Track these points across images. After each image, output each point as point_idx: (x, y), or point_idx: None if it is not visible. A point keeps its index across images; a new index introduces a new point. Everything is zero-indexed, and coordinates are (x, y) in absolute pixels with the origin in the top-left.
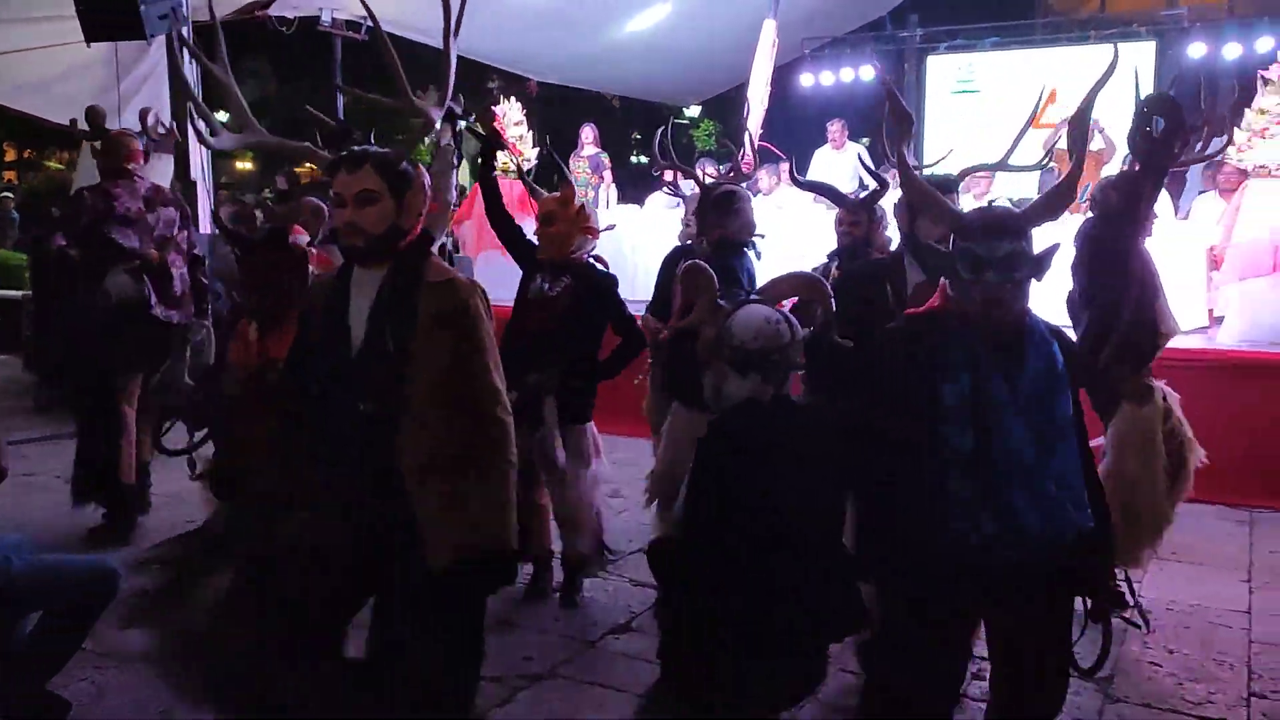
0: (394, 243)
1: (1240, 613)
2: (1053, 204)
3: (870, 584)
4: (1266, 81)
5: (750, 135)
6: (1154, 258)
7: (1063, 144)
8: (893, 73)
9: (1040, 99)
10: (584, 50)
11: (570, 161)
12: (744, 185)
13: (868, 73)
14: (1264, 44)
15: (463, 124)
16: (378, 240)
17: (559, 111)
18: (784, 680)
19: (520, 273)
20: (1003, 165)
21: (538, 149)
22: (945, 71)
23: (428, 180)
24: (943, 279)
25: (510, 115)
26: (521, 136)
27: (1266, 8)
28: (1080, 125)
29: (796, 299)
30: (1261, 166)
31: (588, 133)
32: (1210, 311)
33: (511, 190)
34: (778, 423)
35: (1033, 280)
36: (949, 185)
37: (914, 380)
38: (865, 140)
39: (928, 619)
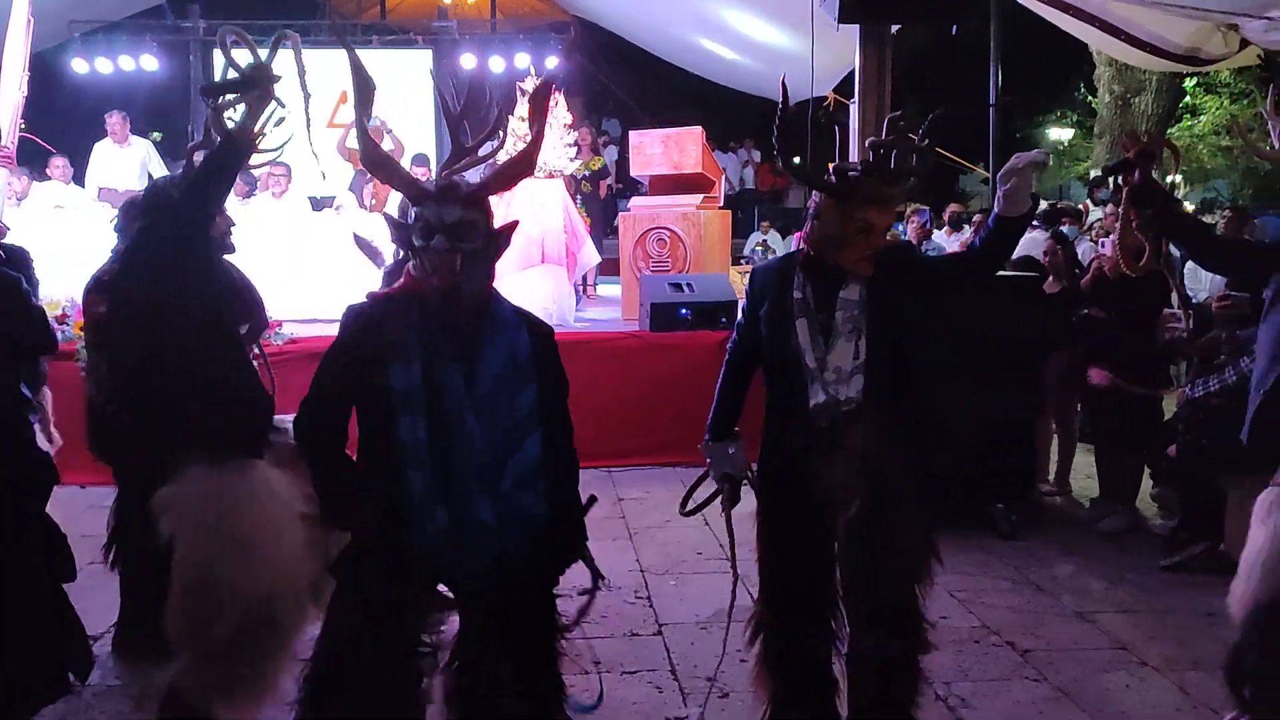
0: None
1: None
2: (508, 173)
3: None
4: (524, 93)
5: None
6: None
7: (351, 143)
8: (177, 64)
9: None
10: None
11: None
12: None
13: (150, 62)
14: (522, 60)
15: None
16: None
17: None
18: None
19: None
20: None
21: None
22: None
23: None
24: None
25: None
26: None
27: (523, 28)
28: (541, 94)
29: None
30: None
31: None
32: None
33: None
34: None
35: (492, 259)
36: None
37: (366, 361)
38: (156, 135)
39: (379, 608)
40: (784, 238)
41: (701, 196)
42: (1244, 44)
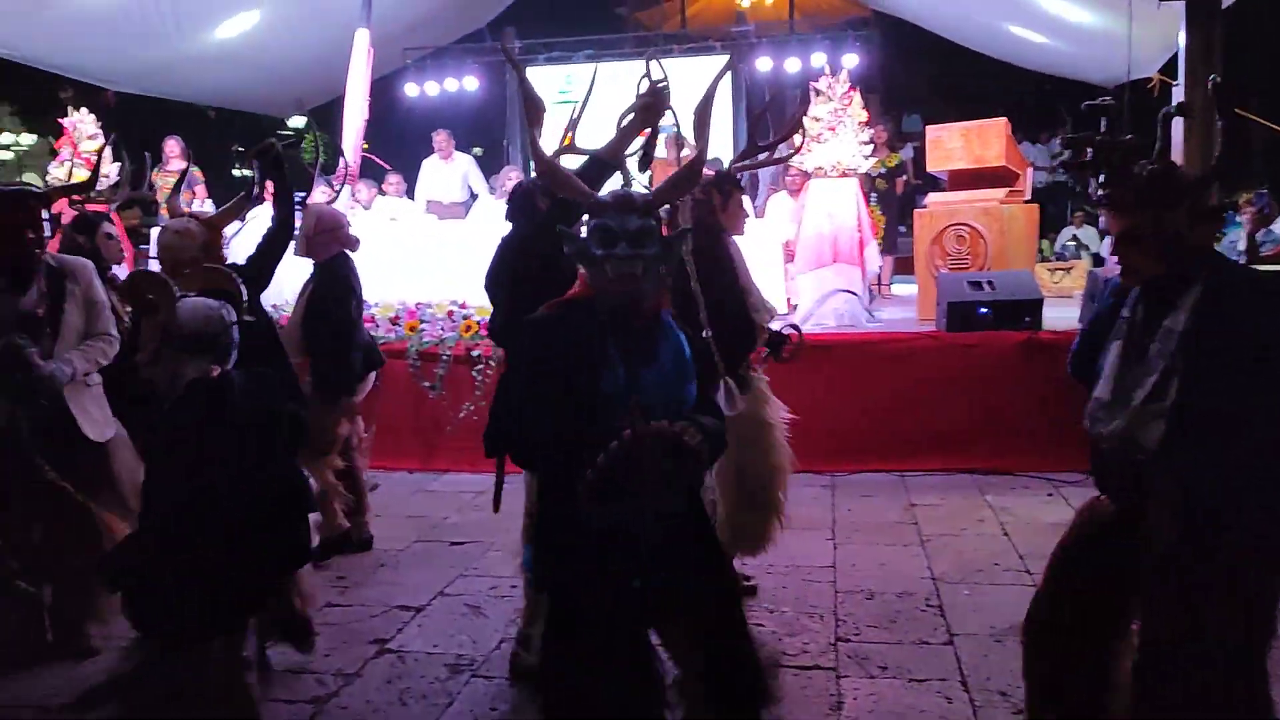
0: None
1: (826, 568)
2: (679, 184)
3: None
4: (818, 92)
5: (349, 148)
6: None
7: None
8: (495, 84)
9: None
10: (164, 58)
11: (155, 177)
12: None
13: (472, 83)
14: (818, 59)
15: None
16: None
17: (146, 123)
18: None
19: None
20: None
21: (117, 164)
22: (546, 82)
23: None
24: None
25: (84, 128)
26: (99, 151)
27: (820, 27)
28: (702, 116)
29: None
30: (819, 168)
31: (173, 145)
32: (789, 300)
33: None
34: (223, 397)
35: (662, 266)
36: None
37: (570, 368)
38: (477, 150)
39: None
40: (1101, 234)
41: (1005, 190)
42: None
